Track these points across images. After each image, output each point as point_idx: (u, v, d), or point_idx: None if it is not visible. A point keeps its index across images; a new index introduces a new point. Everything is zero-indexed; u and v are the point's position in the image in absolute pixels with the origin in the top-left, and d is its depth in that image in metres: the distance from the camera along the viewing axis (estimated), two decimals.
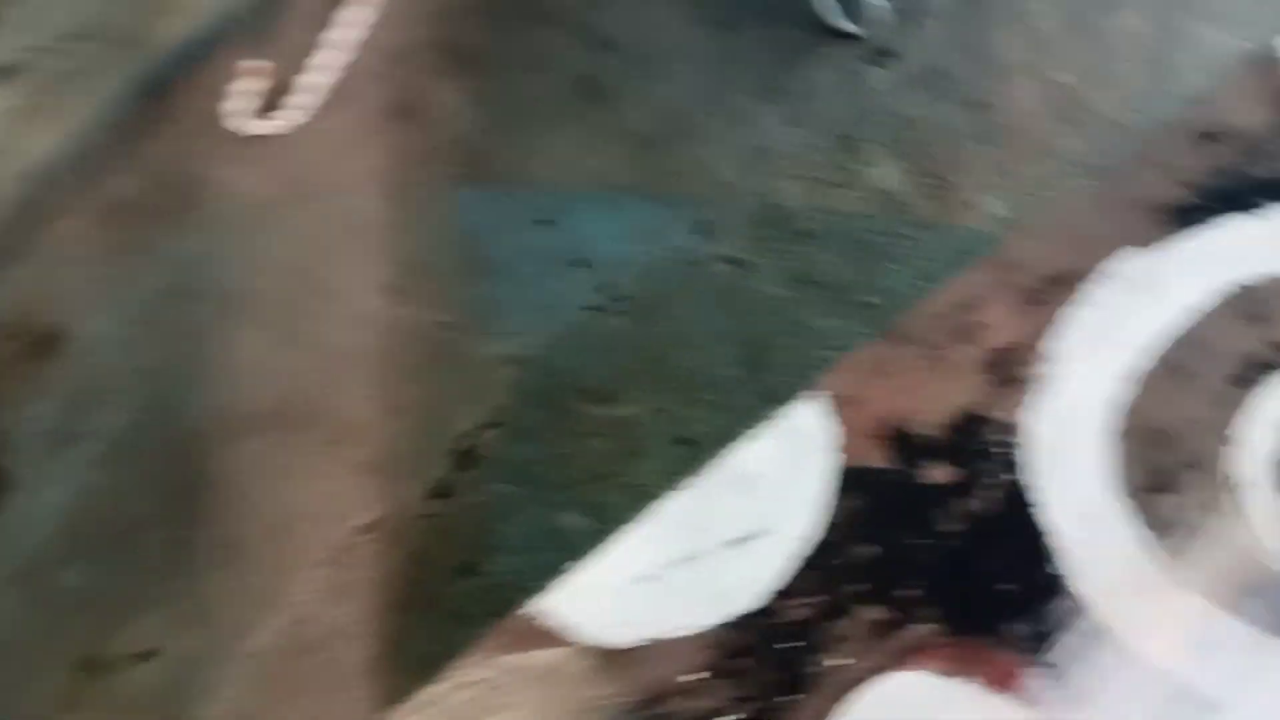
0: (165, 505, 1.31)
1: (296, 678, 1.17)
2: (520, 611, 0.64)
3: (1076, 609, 0.60)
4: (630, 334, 1.33)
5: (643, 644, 0.61)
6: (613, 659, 0.61)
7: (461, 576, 1.17)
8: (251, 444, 1.33)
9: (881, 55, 1.50)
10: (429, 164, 1.49)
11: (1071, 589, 0.60)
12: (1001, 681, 0.58)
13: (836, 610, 0.61)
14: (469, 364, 1.34)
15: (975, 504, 0.61)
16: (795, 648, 0.60)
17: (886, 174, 1.42)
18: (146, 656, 1.21)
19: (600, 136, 1.50)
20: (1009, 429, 0.64)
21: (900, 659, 0.59)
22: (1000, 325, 0.68)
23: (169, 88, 1.62)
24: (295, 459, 1.31)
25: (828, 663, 0.59)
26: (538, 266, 1.39)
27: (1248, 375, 0.65)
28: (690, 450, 1.10)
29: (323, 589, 1.23)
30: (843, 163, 1.44)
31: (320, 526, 1.27)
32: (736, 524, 0.63)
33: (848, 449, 0.65)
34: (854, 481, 0.64)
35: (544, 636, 0.62)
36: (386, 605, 1.19)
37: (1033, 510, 0.62)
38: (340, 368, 1.36)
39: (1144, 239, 0.72)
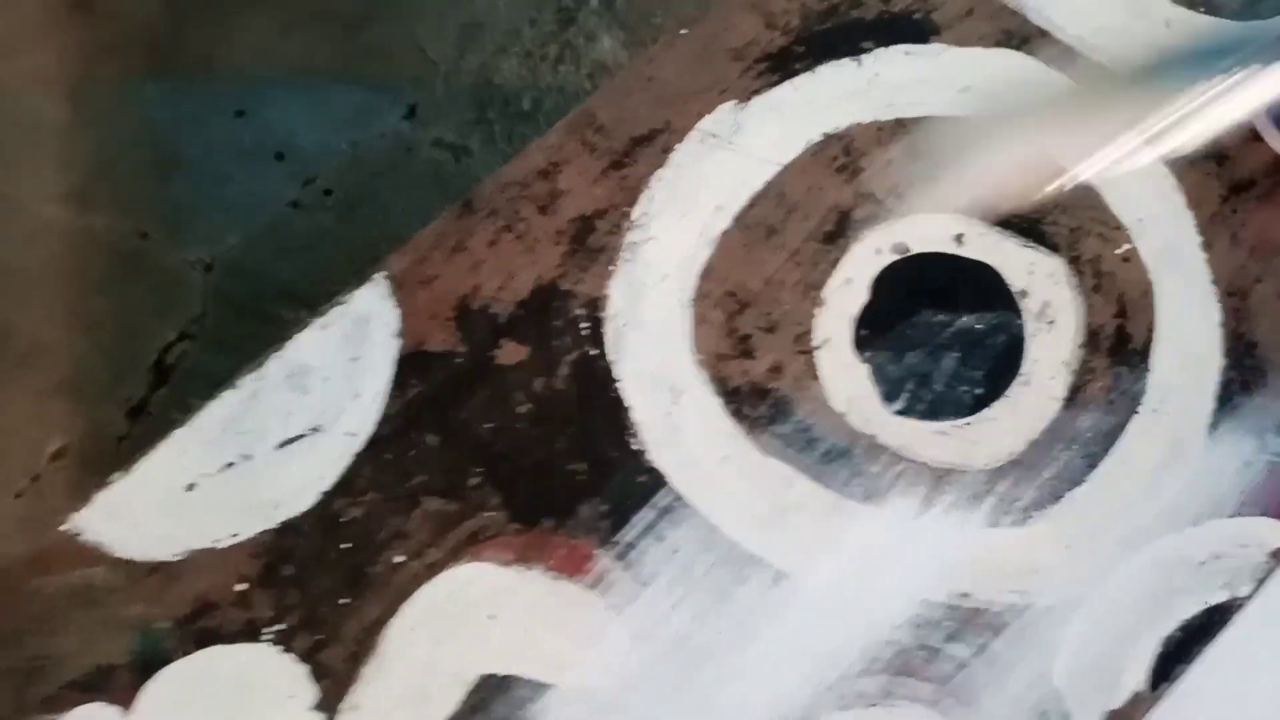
0: None
1: None
2: (61, 528, 0.59)
3: (654, 484, 0.57)
4: (336, 230, 1.26)
5: (185, 556, 0.56)
6: (153, 573, 0.56)
7: None
8: None
9: None
10: (108, 57, 1.36)
11: (649, 464, 0.57)
12: (570, 565, 0.56)
13: (394, 506, 0.57)
14: (163, 272, 1.26)
15: (548, 383, 0.58)
16: (350, 549, 0.56)
17: (606, 47, 1.36)
18: None
19: (298, 17, 1.39)
20: (587, 302, 0.60)
21: (464, 552, 0.56)
22: (582, 192, 0.64)
23: None
24: None
25: (385, 562, 0.55)
26: (233, 162, 1.30)
27: (835, 230, 0.62)
28: None
29: (15, 523, 1.15)
30: (562, 36, 1.38)
31: (9, 457, 1.18)
32: (287, 423, 0.59)
33: (410, 333, 0.60)
34: (416, 367, 0.60)
35: (84, 554, 0.56)
36: None
37: (609, 386, 0.59)
38: (22, 285, 1.25)
39: (739, 91, 0.68)
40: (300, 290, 1.20)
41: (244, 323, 1.21)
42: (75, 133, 1.32)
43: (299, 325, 0.61)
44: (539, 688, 0.57)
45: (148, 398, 1.19)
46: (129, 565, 0.58)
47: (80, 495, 1.16)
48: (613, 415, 0.61)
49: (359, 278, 0.64)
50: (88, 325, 1.23)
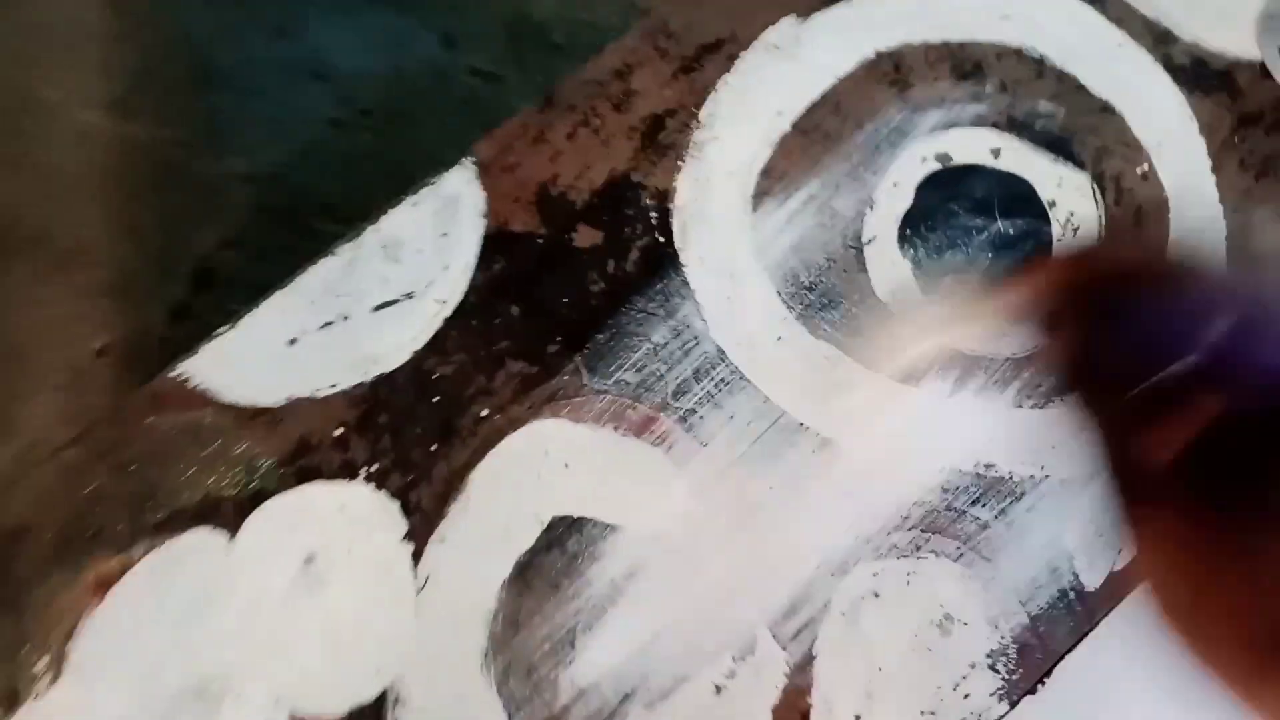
0: None
1: (33, 505, 1.13)
2: (170, 374, 0.64)
3: (714, 359, 0.63)
4: (374, 149, 1.30)
5: (287, 403, 0.62)
6: (257, 417, 0.62)
7: None
8: None
9: None
10: None
11: (710, 340, 0.63)
12: (638, 427, 0.62)
13: (480, 367, 0.62)
14: (204, 182, 1.30)
15: (619, 265, 0.64)
16: (439, 402, 0.62)
17: None
18: None
19: None
20: (656, 194, 0.66)
21: (543, 409, 0.62)
22: (653, 93, 0.70)
23: None
24: (20, 285, 1.25)
25: (472, 415, 0.61)
26: (273, 79, 1.33)
27: (884, 139, 0.68)
28: None
29: (58, 415, 1.20)
30: None
31: (52, 352, 1.22)
32: (383, 289, 0.64)
33: (495, 214, 0.66)
34: (500, 245, 0.66)
35: (193, 397, 0.62)
36: None
37: (675, 270, 0.65)
38: (62, 189, 1.29)
39: (801, 7, 0.73)
40: (339, 205, 1.24)
41: (283, 234, 1.26)
42: (115, 41, 1.35)
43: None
44: (608, 528, 0.63)
45: (190, 302, 1.23)
46: (235, 409, 0.64)
47: (124, 391, 1.21)
48: (674, 297, 0.67)
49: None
50: (130, 230, 1.26)
